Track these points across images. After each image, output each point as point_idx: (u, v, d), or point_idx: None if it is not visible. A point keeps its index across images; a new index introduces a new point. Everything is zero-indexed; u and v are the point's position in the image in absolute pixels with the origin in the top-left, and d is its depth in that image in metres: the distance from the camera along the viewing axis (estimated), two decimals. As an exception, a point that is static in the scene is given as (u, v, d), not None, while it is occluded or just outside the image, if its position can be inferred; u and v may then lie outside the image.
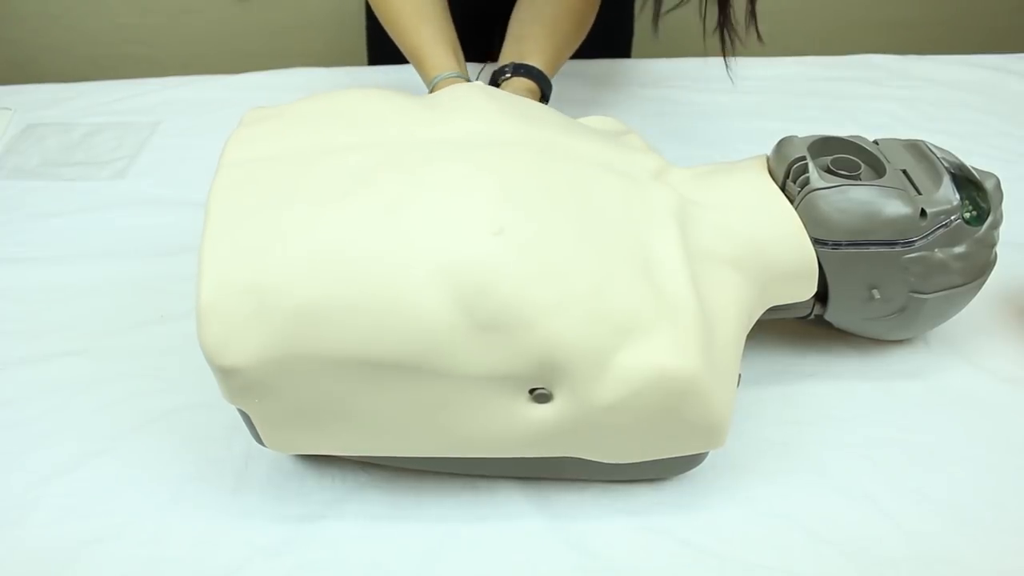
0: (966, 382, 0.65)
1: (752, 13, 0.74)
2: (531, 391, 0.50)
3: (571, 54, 0.87)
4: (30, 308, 0.73)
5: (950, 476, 0.58)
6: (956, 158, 0.61)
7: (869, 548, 0.54)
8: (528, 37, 0.83)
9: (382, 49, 1.09)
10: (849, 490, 0.58)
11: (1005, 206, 0.61)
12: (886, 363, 0.66)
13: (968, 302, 0.62)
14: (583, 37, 0.87)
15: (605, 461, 0.54)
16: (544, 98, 0.82)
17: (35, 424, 0.63)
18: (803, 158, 0.59)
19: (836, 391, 0.64)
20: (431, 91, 0.78)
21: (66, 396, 0.65)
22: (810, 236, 0.57)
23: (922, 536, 0.55)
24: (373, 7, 0.85)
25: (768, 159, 0.63)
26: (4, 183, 0.89)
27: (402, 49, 0.83)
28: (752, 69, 1.04)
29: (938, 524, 0.56)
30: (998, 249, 0.61)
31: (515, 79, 0.80)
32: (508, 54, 0.84)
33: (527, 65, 0.81)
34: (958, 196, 0.58)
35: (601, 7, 0.87)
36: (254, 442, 0.61)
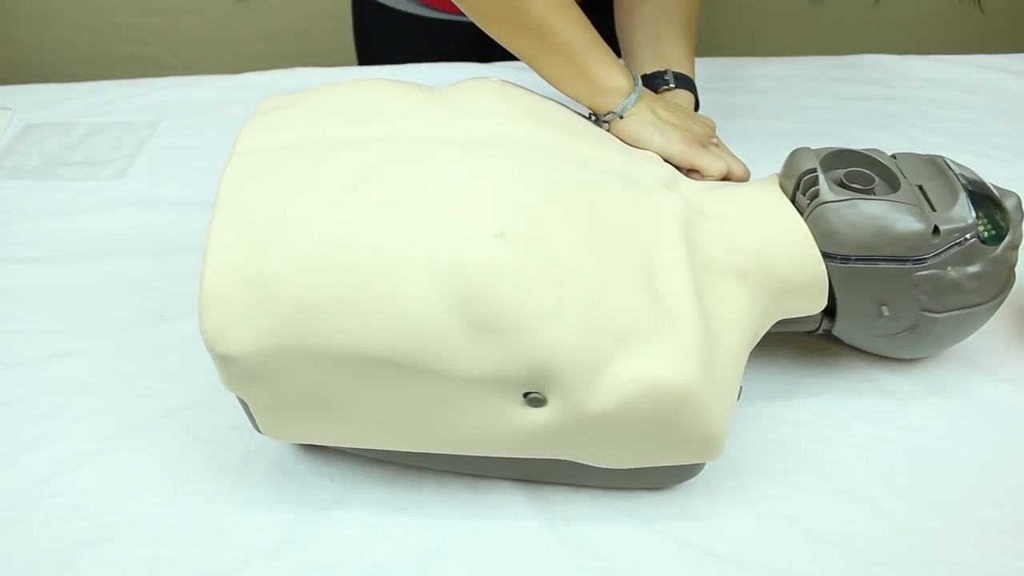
0: (966, 382, 0.65)
1: None
2: (525, 395, 0.50)
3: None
4: (30, 308, 0.73)
5: (950, 476, 0.58)
6: (975, 175, 0.60)
7: (869, 548, 0.54)
8: (666, 39, 0.77)
9: (370, 49, 1.09)
10: (849, 490, 0.58)
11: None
12: (886, 363, 0.66)
13: (984, 323, 0.61)
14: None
15: (599, 465, 0.54)
16: (697, 103, 0.77)
17: (35, 424, 0.63)
18: (814, 170, 0.58)
19: (836, 391, 0.64)
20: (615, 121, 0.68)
21: (66, 396, 0.65)
22: (819, 249, 0.57)
23: (922, 536, 0.55)
24: (523, 34, 0.67)
25: (779, 174, 0.62)
26: (4, 183, 0.89)
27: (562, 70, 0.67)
28: (752, 69, 1.04)
29: (938, 524, 0.56)
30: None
31: (678, 91, 0.75)
32: (653, 57, 0.76)
33: (685, 76, 0.76)
34: (974, 214, 0.57)
35: (611, 8, 0.86)
36: (254, 442, 0.61)
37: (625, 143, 0.65)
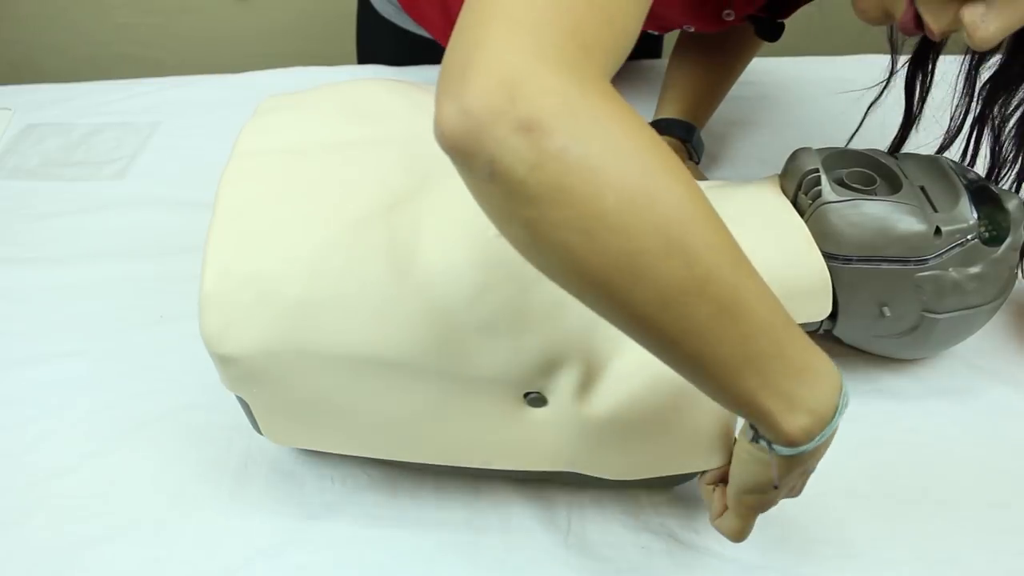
0: (966, 382, 0.65)
1: None
2: (525, 395, 0.50)
3: (724, 90, 0.84)
4: (30, 308, 0.73)
5: (950, 476, 0.58)
6: (977, 175, 0.60)
7: (869, 548, 0.54)
8: (673, 84, 0.80)
9: (371, 48, 1.09)
10: (849, 490, 0.58)
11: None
12: (886, 364, 0.66)
13: (984, 323, 0.61)
14: (739, 69, 0.84)
15: (605, 476, 0.53)
16: (692, 151, 0.77)
17: (36, 424, 0.63)
18: (816, 170, 0.58)
19: (836, 391, 0.64)
20: None
21: (66, 396, 0.65)
22: (820, 250, 0.56)
23: (922, 536, 0.55)
24: None
25: (779, 174, 0.62)
26: (4, 183, 0.89)
27: None
28: (753, 69, 1.04)
29: (938, 524, 0.56)
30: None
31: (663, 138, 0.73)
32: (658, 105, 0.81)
33: (674, 120, 0.77)
34: (976, 215, 0.57)
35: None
36: (254, 443, 0.61)
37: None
